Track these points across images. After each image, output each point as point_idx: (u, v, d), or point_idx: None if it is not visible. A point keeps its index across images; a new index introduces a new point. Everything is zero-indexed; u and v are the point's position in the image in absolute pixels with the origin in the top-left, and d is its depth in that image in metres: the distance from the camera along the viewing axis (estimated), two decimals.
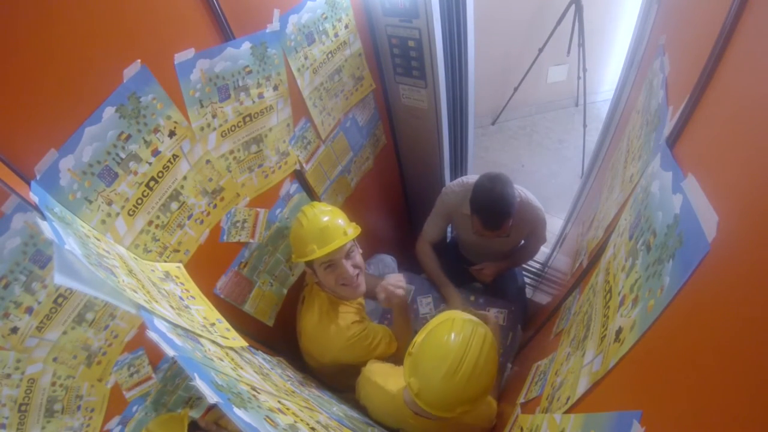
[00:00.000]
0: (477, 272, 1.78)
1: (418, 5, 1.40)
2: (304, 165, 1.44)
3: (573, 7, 2.58)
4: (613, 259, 0.75)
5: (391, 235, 2.24)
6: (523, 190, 1.62)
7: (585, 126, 2.89)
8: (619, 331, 0.59)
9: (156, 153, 0.94)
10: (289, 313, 1.49)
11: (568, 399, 0.70)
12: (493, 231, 1.45)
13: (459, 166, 2.05)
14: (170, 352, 0.60)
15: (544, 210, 1.63)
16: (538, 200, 1.62)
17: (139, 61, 0.85)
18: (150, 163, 0.93)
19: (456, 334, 0.95)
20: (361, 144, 1.72)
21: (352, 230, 1.29)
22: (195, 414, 1.06)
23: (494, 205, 1.40)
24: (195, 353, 0.70)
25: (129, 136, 0.87)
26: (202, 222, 1.11)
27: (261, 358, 1.11)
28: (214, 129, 1.08)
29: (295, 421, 0.75)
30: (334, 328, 1.28)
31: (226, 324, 0.98)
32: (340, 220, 1.28)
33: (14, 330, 0.73)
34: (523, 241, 1.79)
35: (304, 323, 1.33)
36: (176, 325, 0.73)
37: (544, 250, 2.03)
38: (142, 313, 0.65)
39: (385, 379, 1.18)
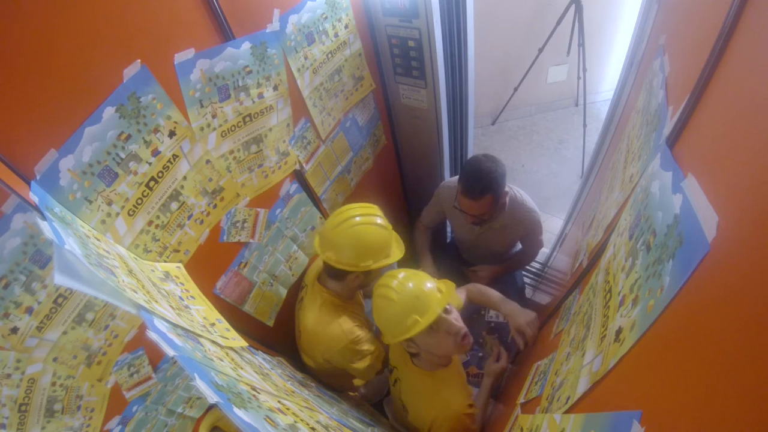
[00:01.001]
0: (473, 274, 1.79)
1: (418, 5, 1.40)
2: (304, 165, 1.44)
3: (573, 7, 2.59)
4: (613, 259, 0.75)
5: None
6: (519, 191, 1.63)
7: (585, 126, 2.89)
8: (619, 331, 0.59)
9: (156, 153, 0.94)
10: (289, 313, 1.49)
11: (568, 399, 0.70)
12: (471, 198, 1.44)
13: (459, 166, 2.05)
14: (170, 352, 0.60)
15: (539, 213, 1.63)
16: (538, 201, 1.63)
17: (139, 61, 0.85)
18: (150, 163, 0.93)
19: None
20: (361, 144, 1.72)
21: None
22: (195, 414, 1.06)
23: (478, 173, 1.42)
24: (195, 353, 0.70)
25: (129, 136, 0.87)
26: (202, 222, 1.11)
27: (261, 358, 1.11)
28: (214, 129, 1.08)
29: (295, 421, 0.75)
30: (337, 329, 1.28)
31: (226, 324, 0.98)
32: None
33: (14, 330, 0.73)
34: (520, 245, 1.80)
35: (306, 321, 1.33)
36: (176, 325, 0.73)
37: (543, 250, 2.03)
38: (142, 313, 0.65)
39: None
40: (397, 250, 1.35)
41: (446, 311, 1.13)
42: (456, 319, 1.14)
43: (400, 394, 1.28)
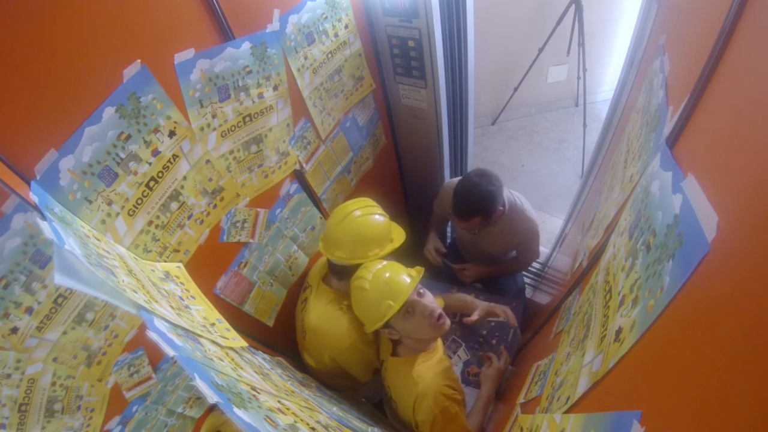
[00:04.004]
0: (459, 271, 1.79)
1: (418, 5, 1.40)
2: (304, 165, 1.44)
3: (573, 7, 2.59)
4: (613, 259, 0.75)
5: None
6: (521, 199, 1.63)
7: (585, 126, 2.89)
8: (619, 331, 0.59)
9: (156, 153, 0.94)
10: (289, 313, 1.49)
11: (568, 399, 0.70)
12: (460, 219, 1.49)
13: (459, 166, 2.05)
14: (170, 352, 0.60)
15: (537, 224, 1.64)
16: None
17: (139, 61, 0.85)
18: (150, 163, 0.93)
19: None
20: (361, 144, 1.72)
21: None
22: (195, 414, 1.06)
23: (468, 196, 1.44)
24: (195, 353, 0.70)
25: (129, 136, 0.87)
26: (202, 222, 1.11)
27: (261, 358, 1.11)
28: (214, 129, 1.08)
29: (295, 421, 0.75)
30: (345, 327, 1.29)
31: (226, 324, 0.98)
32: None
33: (14, 330, 0.73)
34: (515, 252, 1.80)
35: (311, 321, 1.32)
36: (176, 325, 0.73)
37: (543, 250, 2.03)
38: (142, 313, 0.65)
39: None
40: (397, 234, 1.38)
41: (419, 294, 1.19)
42: (430, 301, 1.19)
43: (388, 388, 1.30)
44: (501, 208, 1.51)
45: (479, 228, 1.55)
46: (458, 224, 1.54)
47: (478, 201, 1.43)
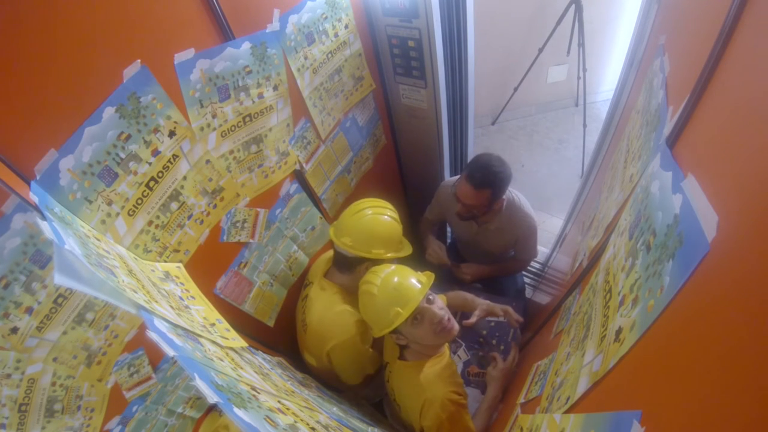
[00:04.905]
0: (456, 269, 1.79)
1: (418, 5, 1.40)
2: (304, 165, 1.44)
3: (573, 7, 2.59)
4: (613, 259, 0.75)
5: None
6: (518, 196, 1.64)
7: (585, 126, 2.89)
8: (619, 331, 0.59)
9: (156, 153, 0.94)
10: (289, 313, 1.49)
11: (568, 399, 0.70)
12: (470, 186, 1.47)
13: (459, 166, 2.05)
14: (170, 352, 0.60)
15: (535, 221, 1.64)
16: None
17: (139, 61, 0.85)
18: (150, 163, 0.93)
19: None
20: (361, 144, 1.72)
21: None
22: (195, 414, 1.06)
23: (486, 166, 1.46)
24: (195, 353, 0.70)
25: (129, 136, 0.87)
26: (202, 222, 1.11)
27: (261, 358, 1.11)
28: (214, 129, 1.08)
29: (295, 421, 0.75)
30: (347, 317, 1.29)
31: (226, 324, 0.98)
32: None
33: (14, 330, 0.73)
34: (513, 252, 1.81)
35: (312, 314, 1.33)
36: (176, 325, 0.73)
37: (543, 250, 2.04)
38: (142, 313, 0.65)
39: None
40: (407, 247, 1.43)
41: (428, 301, 1.17)
42: (439, 308, 1.18)
43: (393, 391, 1.29)
44: (504, 198, 1.54)
45: (480, 209, 1.53)
46: (465, 195, 1.50)
47: (493, 174, 1.45)
